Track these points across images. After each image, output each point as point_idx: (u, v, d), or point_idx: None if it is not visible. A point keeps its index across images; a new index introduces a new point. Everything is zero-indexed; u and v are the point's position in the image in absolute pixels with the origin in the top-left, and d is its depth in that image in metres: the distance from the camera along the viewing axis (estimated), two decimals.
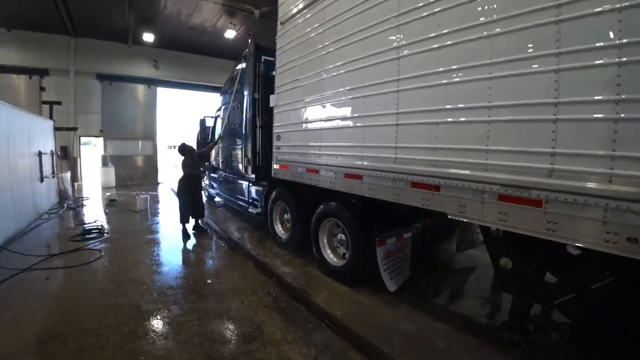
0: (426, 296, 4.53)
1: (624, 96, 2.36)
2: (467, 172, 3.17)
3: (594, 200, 2.50)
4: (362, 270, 4.63)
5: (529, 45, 2.78)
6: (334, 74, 4.73)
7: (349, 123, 4.52)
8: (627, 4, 2.30)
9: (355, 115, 4.41)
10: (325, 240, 5.15)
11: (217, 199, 11.26)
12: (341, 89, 4.62)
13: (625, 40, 2.32)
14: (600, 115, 2.45)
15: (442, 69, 3.35)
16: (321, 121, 5.05)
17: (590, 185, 2.51)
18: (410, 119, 3.68)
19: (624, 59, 2.32)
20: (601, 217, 2.50)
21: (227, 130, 8.78)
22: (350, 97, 4.49)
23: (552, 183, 2.66)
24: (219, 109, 9.72)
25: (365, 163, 4.22)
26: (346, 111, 4.58)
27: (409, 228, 4.63)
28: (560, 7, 2.59)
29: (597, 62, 2.44)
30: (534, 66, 2.74)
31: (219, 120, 9.58)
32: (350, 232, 4.61)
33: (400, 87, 3.76)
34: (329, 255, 5.10)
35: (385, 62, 3.93)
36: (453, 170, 3.29)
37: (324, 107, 4.97)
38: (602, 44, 2.42)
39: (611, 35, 2.38)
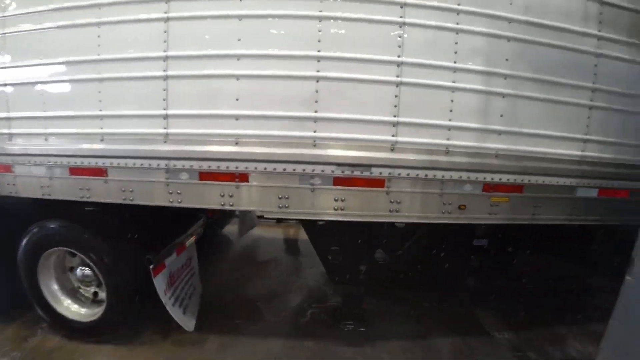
0: (235, 309, 3.48)
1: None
2: (288, 150, 2.18)
3: (434, 173, 2.20)
4: (134, 310, 2.95)
5: None
6: None
7: (70, 73, 2.45)
8: None
9: (84, 59, 2.39)
10: (56, 286, 2.97)
11: None
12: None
13: None
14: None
15: None
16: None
17: (430, 158, 2.19)
18: (189, 67, 2.22)
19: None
20: (439, 190, 2.23)
21: None
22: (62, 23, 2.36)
23: (396, 158, 2.14)
24: None
25: (111, 146, 2.41)
26: (61, 49, 2.42)
27: (191, 230, 3.25)
28: None
29: None
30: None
31: None
32: (99, 264, 2.74)
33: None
34: (68, 307, 2.98)
35: None
36: (264, 150, 2.21)
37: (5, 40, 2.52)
38: None
39: None
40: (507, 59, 2.25)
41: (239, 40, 2.16)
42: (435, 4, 2.14)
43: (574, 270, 3.42)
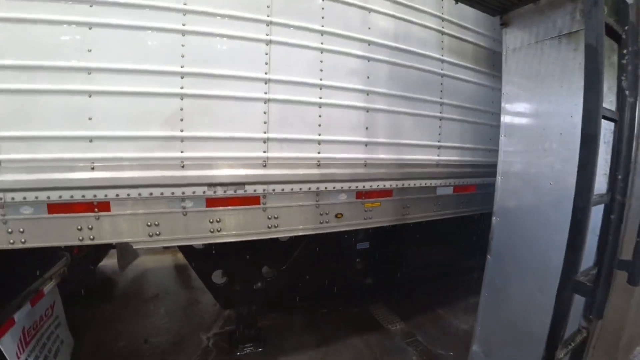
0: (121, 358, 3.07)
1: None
2: (153, 173, 2.02)
3: (308, 186, 2.27)
4: None
5: None
6: None
7: None
8: None
9: None
10: None
11: None
12: None
13: None
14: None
15: None
16: None
17: (303, 172, 2.26)
18: (13, 81, 1.89)
19: None
20: (314, 202, 2.31)
21: None
22: None
23: (269, 174, 2.15)
24: None
25: None
26: None
27: (50, 273, 2.65)
28: None
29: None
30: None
31: None
32: None
33: None
34: None
35: None
36: (126, 174, 2.02)
37: None
38: None
39: None
40: (368, 77, 2.45)
41: (89, 51, 1.93)
42: (301, 24, 2.24)
43: (453, 256, 3.88)
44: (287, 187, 2.21)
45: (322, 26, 2.30)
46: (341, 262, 2.93)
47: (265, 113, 2.15)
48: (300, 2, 2.25)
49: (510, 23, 2.28)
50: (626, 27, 1.56)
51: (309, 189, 2.27)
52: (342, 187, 2.41)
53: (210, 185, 2.05)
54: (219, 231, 2.14)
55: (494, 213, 2.31)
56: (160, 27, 2.01)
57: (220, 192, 2.07)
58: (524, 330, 2.09)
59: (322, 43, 2.30)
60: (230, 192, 2.09)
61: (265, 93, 2.15)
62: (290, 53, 2.23)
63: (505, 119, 2.33)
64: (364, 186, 2.49)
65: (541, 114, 2.09)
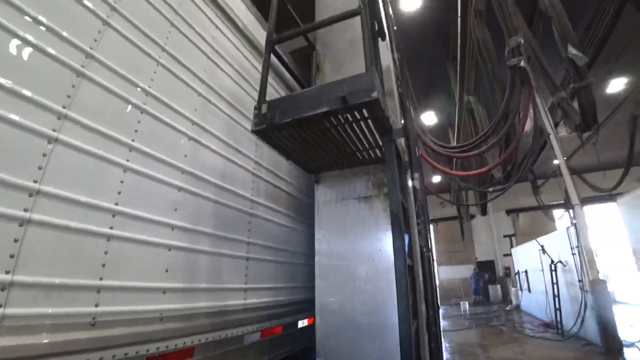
0: None
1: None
2: None
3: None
4: None
5: None
6: None
7: None
8: None
9: None
10: None
11: None
12: None
13: None
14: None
15: None
16: None
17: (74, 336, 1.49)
18: None
19: None
20: None
21: None
22: None
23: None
24: None
25: None
26: None
27: None
28: None
29: None
30: None
31: None
32: None
33: None
34: None
35: None
36: None
37: None
38: None
39: None
40: (175, 209, 2.15)
41: None
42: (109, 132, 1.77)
43: None
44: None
45: (133, 140, 1.92)
46: None
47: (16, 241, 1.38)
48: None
49: (322, 181, 2.74)
50: (417, 204, 2.18)
51: None
52: (126, 354, 1.73)
53: None
54: None
55: (317, 353, 2.24)
56: None
57: None
58: None
59: (127, 160, 1.89)
60: None
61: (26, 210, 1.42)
62: (78, 162, 1.67)
63: (319, 261, 2.53)
64: (158, 347, 1.90)
65: (349, 257, 2.43)
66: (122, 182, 1.82)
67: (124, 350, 1.74)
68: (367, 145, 2.46)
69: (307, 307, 3.33)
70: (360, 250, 2.47)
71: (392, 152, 2.16)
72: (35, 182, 1.45)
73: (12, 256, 1.36)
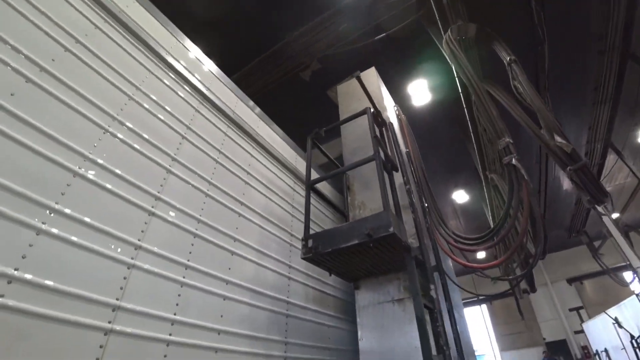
0: None
1: None
2: None
3: None
4: None
5: None
6: None
7: None
8: None
9: None
10: None
11: None
12: None
13: None
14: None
15: None
16: None
17: None
18: None
19: None
20: None
21: None
22: None
23: None
24: None
25: None
26: None
27: None
28: None
29: None
30: None
31: None
32: None
33: None
34: None
35: None
36: None
37: None
38: None
39: None
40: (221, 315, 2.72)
41: None
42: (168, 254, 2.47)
43: None
44: None
45: (188, 260, 2.55)
46: None
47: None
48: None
49: (361, 287, 3.35)
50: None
51: None
52: None
53: None
54: None
55: None
56: None
57: None
58: None
59: (184, 277, 2.47)
60: None
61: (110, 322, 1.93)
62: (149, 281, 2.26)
63: (362, 357, 3.00)
64: None
65: (388, 355, 2.89)
66: (179, 295, 2.40)
67: None
68: (394, 258, 3.08)
69: None
70: (398, 347, 2.92)
71: (412, 266, 2.77)
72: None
73: None
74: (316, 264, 3.10)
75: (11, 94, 1.89)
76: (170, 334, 2.22)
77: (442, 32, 5.46)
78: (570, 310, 16.20)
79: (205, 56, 3.75)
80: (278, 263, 3.57)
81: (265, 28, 7.31)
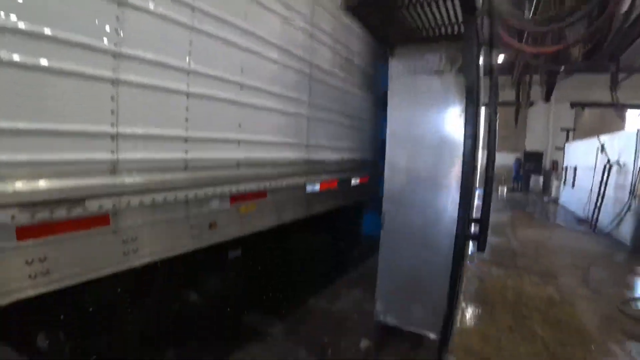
0: None
1: None
2: None
3: (175, 194, 1.85)
4: None
5: None
6: None
7: None
8: None
9: None
10: None
11: None
12: None
13: None
14: None
15: None
16: None
17: (173, 176, 1.83)
18: None
19: None
20: (184, 213, 1.92)
21: None
22: None
23: (121, 183, 1.60)
24: None
25: None
26: None
27: None
28: None
29: None
30: None
31: None
32: None
33: None
34: None
35: None
36: None
37: None
38: None
39: None
40: (242, 69, 2.20)
41: None
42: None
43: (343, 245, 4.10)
44: (148, 198, 1.72)
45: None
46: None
47: (113, 99, 1.58)
48: None
49: (396, 55, 2.76)
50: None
51: (176, 197, 1.84)
52: (214, 192, 2.08)
53: (23, 206, 1.36)
54: (45, 274, 1.44)
55: (384, 198, 2.73)
56: None
57: (43, 214, 1.40)
58: (412, 282, 2.66)
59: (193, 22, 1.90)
60: (60, 212, 1.44)
61: (114, 70, 1.58)
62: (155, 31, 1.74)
63: (391, 128, 2.74)
64: (238, 189, 2.24)
65: (417, 125, 2.63)
66: (190, 42, 1.91)
67: (214, 189, 2.06)
68: (446, 21, 2.28)
69: (361, 167, 3.66)
70: (428, 120, 2.61)
71: (473, 31, 1.96)
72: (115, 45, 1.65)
73: (112, 112, 1.60)
74: (359, 17, 2.39)
75: None
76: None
77: None
78: (562, 129, 16.60)
79: None
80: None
81: None
